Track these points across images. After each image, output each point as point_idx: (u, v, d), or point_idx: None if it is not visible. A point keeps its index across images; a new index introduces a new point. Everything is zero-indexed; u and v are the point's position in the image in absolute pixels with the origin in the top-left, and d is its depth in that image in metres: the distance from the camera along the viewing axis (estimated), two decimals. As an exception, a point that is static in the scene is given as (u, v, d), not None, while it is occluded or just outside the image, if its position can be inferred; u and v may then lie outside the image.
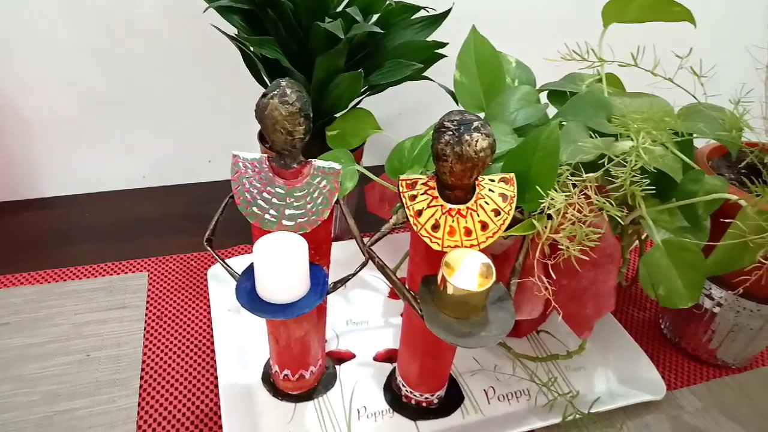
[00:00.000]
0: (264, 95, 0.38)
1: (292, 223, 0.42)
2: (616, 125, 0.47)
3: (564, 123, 0.49)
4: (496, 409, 0.53)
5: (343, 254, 0.59)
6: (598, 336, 0.60)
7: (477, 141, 0.36)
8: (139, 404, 0.51)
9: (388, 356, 0.57)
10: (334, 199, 0.42)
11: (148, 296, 0.62)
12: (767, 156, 0.49)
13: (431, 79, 0.64)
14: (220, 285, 0.62)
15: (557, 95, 0.58)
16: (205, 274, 0.65)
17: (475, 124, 0.36)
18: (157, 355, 0.56)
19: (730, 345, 0.57)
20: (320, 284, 0.42)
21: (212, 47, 0.69)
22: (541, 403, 0.54)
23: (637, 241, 0.56)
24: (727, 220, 0.44)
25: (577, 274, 0.45)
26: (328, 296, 0.51)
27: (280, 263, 0.39)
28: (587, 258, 0.42)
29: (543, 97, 0.58)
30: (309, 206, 0.42)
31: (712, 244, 0.46)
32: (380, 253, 0.44)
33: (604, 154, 0.45)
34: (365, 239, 0.43)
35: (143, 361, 0.55)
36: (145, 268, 0.66)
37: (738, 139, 0.49)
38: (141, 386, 0.53)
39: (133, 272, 0.65)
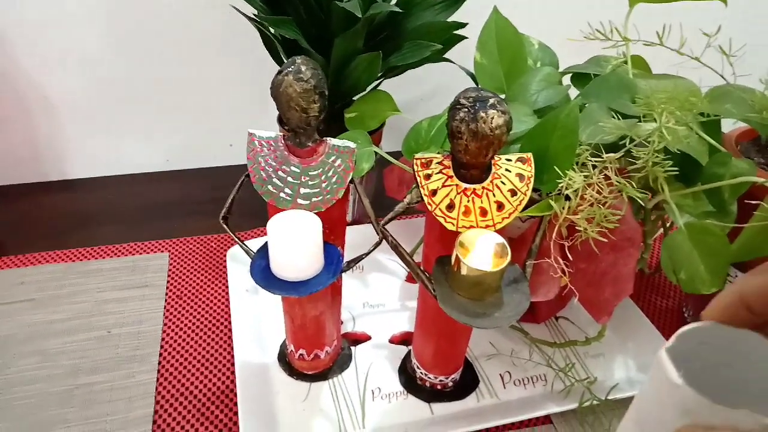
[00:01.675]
0: (279, 72, 0.38)
1: (307, 201, 0.42)
2: (640, 106, 0.46)
3: (586, 104, 0.48)
4: (511, 393, 0.53)
5: (360, 238, 0.59)
6: (619, 323, 0.58)
7: (493, 118, 0.35)
8: (157, 380, 0.52)
9: (404, 339, 0.57)
10: (349, 178, 0.42)
11: (169, 276, 0.63)
12: (798, 138, 0.47)
13: (451, 61, 0.63)
14: (239, 266, 0.62)
15: (581, 78, 0.57)
16: (225, 256, 0.65)
17: (491, 101, 0.36)
18: (176, 333, 0.57)
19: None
20: (334, 263, 0.42)
21: (234, 30, 0.69)
22: (558, 388, 0.53)
23: (661, 228, 0.54)
24: (753, 202, 0.43)
25: (595, 257, 0.44)
26: (345, 278, 0.52)
27: (294, 240, 0.39)
28: (606, 240, 0.41)
29: (567, 80, 0.57)
30: (324, 185, 0.42)
31: (738, 229, 0.45)
32: (397, 237, 0.43)
33: (626, 136, 0.43)
34: (380, 220, 0.43)
35: (162, 339, 0.56)
36: (166, 248, 0.67)
37: (768, 121, 0.47)
38: (160, 363, 0.54)
39: (155, 253, 0.66)
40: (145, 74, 0.74)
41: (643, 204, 0.48)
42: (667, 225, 0.54)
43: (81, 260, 0.64)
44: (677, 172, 0.43)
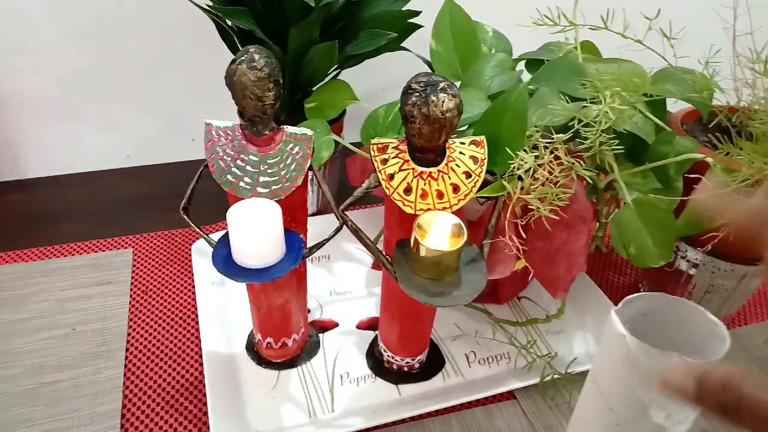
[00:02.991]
0: (233, 61, 0.39)
1: (267, 190, 0.42)
2: (587, 88, 0.47)
3: (537, 88, 0.50)
4: (476, 372, 0.54)
5: (324, 227, 0.59)
6: (578, 301, 0.61)
7: (443, 101, 0.37)
8: (124, 375, 0.52)
9: (371, 324, 0.58)
10: (307, 165, 0.42)
11: (133, 272, 0.63)
12: (735, 116, 0.50)
13: (408, 50, 0.64)
14: (204, 259, 0.62)
15: (534, 64, 0.59)
16: (189, 250, 0.65)
17: (442, 84, 0.37)
18: (142, 328, 0.57)
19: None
20: (296, 249, 0.43)
21: (192, 23, 0.68)
22: (521, 365, 0.55)
23: (617, 210, 0.57)
24: (696, 177, 0.45)
25: (549, 235, 0.46)
26: (311, 267, 0.52)
27: (254, 228, 0.39)
28: (558, 218, 0.43)
29: (521, 67, 0.59)
30: (283, 173, 0.42)
31: (684, 201, 0.47)
32: (359, 226, 0.44)
33: (575, 118, 0.45)
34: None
35: (128, 334, 0.56)
36: (129, 245, 0.66)
37: (708, 100, 0.49)
38: (126, 358, 0.53)
39: (118, 249, 0.66)
40: (102, 69, 0.73)
41: (595, 183, 0.50)
42: (622, 205, 0.57)
43: (42, 259, 0.63)
44: (623, 151, 0.45)
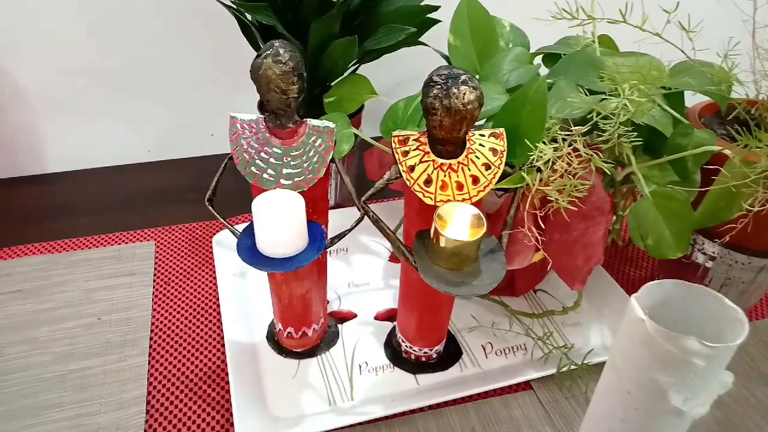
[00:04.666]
0: (258, 56, 0.39)
1: (290, 181, 0.43)
2: (605, 81, 0.48)
3: (555, 82, 0.50)
4: (493, 362, 0.55)
5: (343, 220, 0.61)
6: (595, 294, 0.61)
7: (465, 93, 0.37)
8: (149, 362, 0.53)
9: (389, 315, 0.59)
10: (329, 157, 0.43)
11: (156, 263, 0.64)
12: (754, 108, 0.50)
13: (426, 44, 0.64)
14: (225, 251, 0.63)
15: (552, 58, 0.59)
16: (211, 242, 0.67)
17: (463, 77, 0.38)
18: (166, 318, 0.58)
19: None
20: (318, 239, 0.44)
21: (211, 18, 0.70)
22: (537, 356, 0.55)
23: (633, 202, 0.57)
24: (714, 168, 0.45)
25: (568, 227, 0.46)
26: (330, 260, 0.53)
27: (278, 218, 0.40)
28: (576, 209, 0.43)
29: (538, 61, 0.59)
30: (305, 165, 0.43)
31: (702, 194, 0.47)
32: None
33: (593, 110, 0.45)
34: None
35: (152, 323, 0.57)
36: (152, 237, 0.68)
37: (727, 92, 0.50)
38: (151, 346, 0.55)
39: (141, 242, 0.67)
40: (123, 65, 0.74)
41: (612, 176, 0.51)
42: (638, 198, 0.57)
43: (66, 251, 0.65)
44: (641, 143, 0.46)
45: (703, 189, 0.46)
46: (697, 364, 0.29)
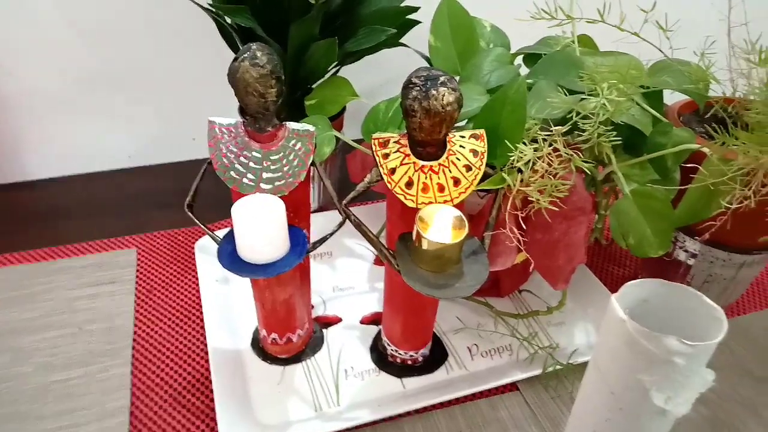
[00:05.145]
0: (235, 59, 0.39)
1: (270, 186, 0.43)
2: (584, 81, 0.48)
3: (535, 82, 0.50)
4: (479, 364, 0.55)
5: (326, 224, 0.60)
6: (578, 293, 0.61)
7: (444, 95, 0.37)
8: (132, 372, 0.52)
9: (374, 319, 0.59)
10: (310, 161, 0.43)
11: (138, 271, 0.63)
12: (731, 106, 0.50)
13: (407, 46, 0.64)
14: (207, 257, 0.63)
15: (532, 58, 0.59)
16: (193, 248, 0.66)
17: (442, 78, 0.37)
18: (148, 326, 0.57)
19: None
20: (300, 244, 0.43)
21: (191, 21, 0.69)
22: (523, 357, 0.56)
23: (615, 201, 0.57)
24: (693, 166, 0.46)
25: (549, 227, 0.46)
26: (314, 264, 0.53)
27: (259, 223, 0.40)
28: (558, 210, 0.44)
29: (519, 62, 0.59)
30: (285, 169, 0.43)
31: (682, 192, 0.48)
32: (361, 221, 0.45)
33: (573, 110, 0.46)
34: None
35: (135, 332, 0.56)
36: (133, 244, 0.67)
37: (705, 91, 0.50)
38: (133, 355, 0.54)
39: (122, 249, 0.66)
40: (102, 69, 0.74)
41: (593, 175, 0.51)
42: (620, 197, 0.57)
43: (48, 260, 0.64)
44: (621, 143, 0.46)
45: (683, 188, 0.47)
46: (678, 363, 0.29)
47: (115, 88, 0.75)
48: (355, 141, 0.57)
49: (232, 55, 0.61)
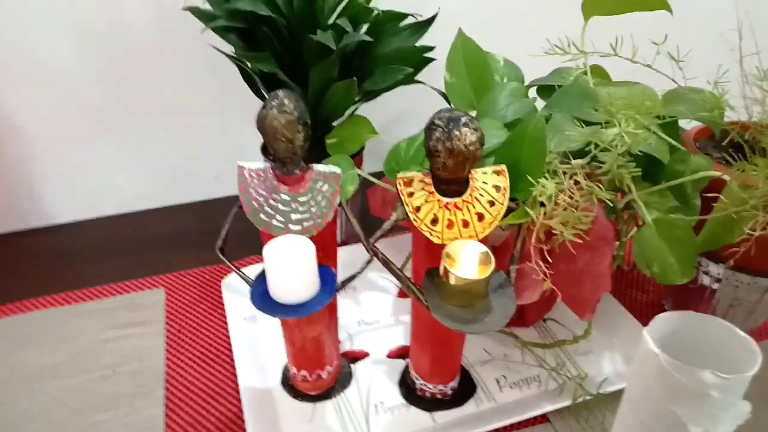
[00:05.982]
0: (263, 106, 0.41)
1: (299, 227, 0.44)
2: (601, 113, 0.49)
3: (551, 115, 0.52)
4: (508, 396, 0.55)
5: (351, 257, 0.61)
6: (603, 321, 0.61)
7: (466, 135, 0.38)
8: (165, 413, 0.53)
9: (401, 353, 0.59)
10: (337, 202, 0.44)
11: (167, 311, 0.65)
12: (748, 133, 0.51)
13: (423, 83, 0.66)
14: (235, 295, 0.64)
15: (546, 90, 0.61)
16: (219, 286, 0.67)
17: (463, 119, 0.39)
18: (180, 366, 0.58)
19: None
20: (329, 283, 0.44)
21: (211, 65, 0.71)
22: (552, 387, 0.55)
23: (635, 227, 0.58)
24: (713, 195, 0.46)
25: (573, 257, 0.47)
26: (339, 298, 0.54)
27: (290, 265, 0.41)
28: (581, 241, 0.44)
29: (533, 93, 0.61)
30: (313, 210, 0.44)
31: (703, 221, 0.48)
32: (386, 254, 0.46)
33: (591, 142, 0.47)
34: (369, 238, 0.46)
35: (166, 373, 0.57)
36: (161, 284, 0.68)
37: (720, 118, 0.51)
38: (166, 396, 0.55)
39: (150, 289, 0.68)
40: (120, 111, 0.76)
41: (613, 204, 0.51)
42: (640, 222, 0.58)
43: (77, 302, 0.65)
44: (641, 173, 0.47)
45: (703, 217, 0.47)
46: (714, 396, 0.29)
47: (134, 129, 0.78)
48: (373, 173, 0.58)
49: (253, 96, 0.64)
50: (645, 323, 0.60)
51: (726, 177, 0.46)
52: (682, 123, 0.53)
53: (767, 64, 0.45)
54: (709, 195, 0.47)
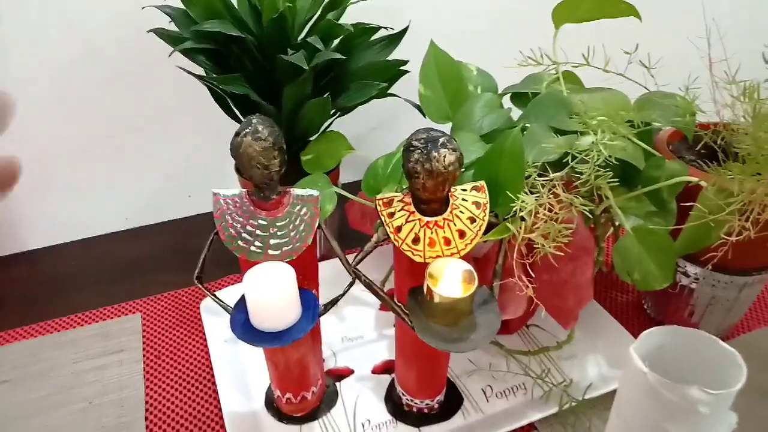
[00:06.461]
0: (237, 134, 0.40)
1: (278, 252, 0.43)
2: (577, 122, 0.49)
3: (527, 125, 0.52)
4: (495, 406, 0.55)
5: (330, 274, 0.60)
6: (586, 324, 0.62)
7: (445, 156, 0.38)
8: (147, 445, 0.52)
9: (386, 368, 0.59)
10: (316, 225, 0.43)
11: (144, 337, 0.63)
12: (720, 136, 0.52)
13: (397, 96, 0.66)
14: (214, 317, 0.62)
15: (520, 97, 0.61)
16: (198, 309, 0.66)
17: (441, 140, 0.38)
18: (160, 395, 0.57)
19: (710, 318, 0.60)
20: (311, 308, 0.43)
21: (182, 86, 0.70)
22: (538, 395, 0.56)
23: (612, 229, 0.58)
24: (689, 196, 0.47)
25: (555, 268, 0.47)
26: (322, 317, 0.53)
27: (271, 292, 0.40)
28: (563, 253, 0.44)
29: (506, 100, 0.61)
30: (292, 234, 0.43)
31: (680, 220, 0.49)
32: (366, 267, 0.45)
33: (568, 152, 0.47)
34: (350, 256, 0.45)
35: (146, 402, 0.56)
36: (137, 309, 0.67)
37: (692, 123, 0.51)
38: (147, 427, 0.53)
39: (126, 315, 0.66)
40: (95, 134, 0.74)
41: (588, 214, 0.52)
42: (617, 224, 0.58)
43: (51, 332, 0.63)
44: (618, 183, 0.47)
45: (679, 226, 0.48)
46: (702, 412, 0.29)
47: (108, 152, 0.76)
48: (349, 184, 0.57)
49: (221, 112, 0.62)
50: (626, 324, 0.61)
51: (702, 182, 0.47)
52: (655, 126, 0.54)
53: (736, 69, 0.46)
54: (686, 204, 0.47)
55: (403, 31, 0.63)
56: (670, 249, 0.47)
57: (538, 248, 0.44)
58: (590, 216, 0.46)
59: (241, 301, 0.43)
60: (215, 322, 0.62)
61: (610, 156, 0.45)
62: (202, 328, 0.63)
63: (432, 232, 0.42)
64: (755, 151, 0.44)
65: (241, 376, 0.57)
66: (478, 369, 0.59)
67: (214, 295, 0.45)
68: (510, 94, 0.61)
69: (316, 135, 0.63)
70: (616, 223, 0.58)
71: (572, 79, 0.60)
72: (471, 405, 0.55)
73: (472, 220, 0.42)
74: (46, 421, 0.54)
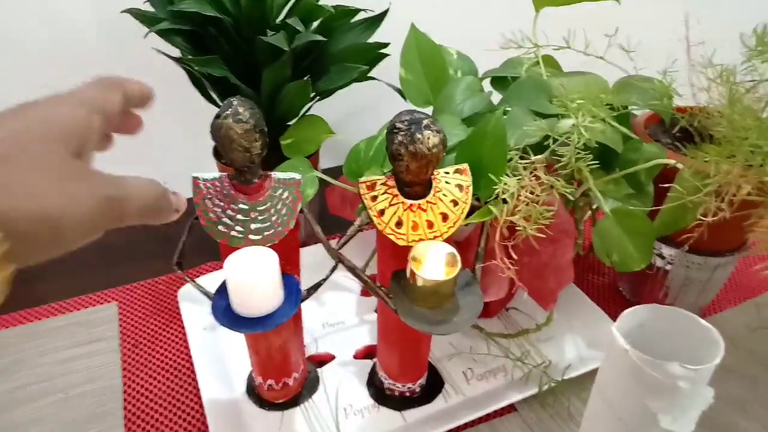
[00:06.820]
0: (217, 116, 0.39)
1: (259, 236, 0.43)
2: (557, 106, 0.49)
3: (508, 109, 0.52)
4: (476, 388, 0.55)
5: (313, 259, 0.60)
6: (563, 306, 0.62)
7: (429, 138, 0.38)
8: (126, 434, 0.51)
9: (367, 353, 0.59)
10: (298, 209, 0.43)
11: (121, 326, 0.62)
12: (696, 119, 0.53)
13: (377, 79, 0.65)
14: (192, 305, 0.62)
15: (500, 81, 0.61)
16: (176, 297, 0.65)
17: (425, 122, 0.38)
18: (138, 383, 0.56)
19: (683, 298, 0.61)
20: (294, 293, 0.43)
21: (157, 69, 0.68)
22: (518, 377, 0.56)
23: (590, 212, 0.59)
24: (667, 178, 0.47)
25: (536, 251, 0.47)
26: (303, 303, 0.53)
27: (253, 278, 0.40)
28: (544, 236, 0.45)
29: (486, 84, 0.61)
30: (274, 218, 0.43)
31: (658, 201, 0.50)
32: (348, 251, 0.45)
33: (549, 135, 0.47)
34: (333, 242, 0.45)
35: (124, 391, 0.55)
36: (113, 298, 0.65)
37: (669, 106, 0.52)
38: (125, 416, 0.53)
39: (102, 304, 0.64)
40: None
41: (570, 196, 0.52)
42: (594, 207, 0.59)
43: (26, 323, 0.62)
44: (598, 165, 0.47)
45: (657, 208, 0.48)
46: (682, 387, 0.30)
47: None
48: (329, 169, 0.57)
49: (199, 97, 0.61)
50: (602, 306, 0.62)
51: (679, 165, 0.47)
52: (633, 109, 0.54)
53: (712, 53, 0.47)
54: (664, 186, 0.48)
55: (384, 13, 0.62)
56: (648, 230, 0.48)
57: (519, 231, 0.45)
58: (571, 199, 0.47)
59: (222, 288, 0.43)
60: (193, 310, 0.61)
61: (589, 139, 0.45)
62: (180, 316, 0.62)
63: (415, 215, 0.42)
64: (730, 134, 0.45)
65: (221, 363, 0.57)
66: (459, 352, 0.59)
67: (194, 281, 0.45)
68: (490, 78, 0.61)
69: (296, 119, 0.62)
70: (594, 207, 0.59)
71: (551, 63, 0.60)
72: (452, 388, 0.56)
73: (455, 203, 0.42)
74: (26, 411, 0.52)
